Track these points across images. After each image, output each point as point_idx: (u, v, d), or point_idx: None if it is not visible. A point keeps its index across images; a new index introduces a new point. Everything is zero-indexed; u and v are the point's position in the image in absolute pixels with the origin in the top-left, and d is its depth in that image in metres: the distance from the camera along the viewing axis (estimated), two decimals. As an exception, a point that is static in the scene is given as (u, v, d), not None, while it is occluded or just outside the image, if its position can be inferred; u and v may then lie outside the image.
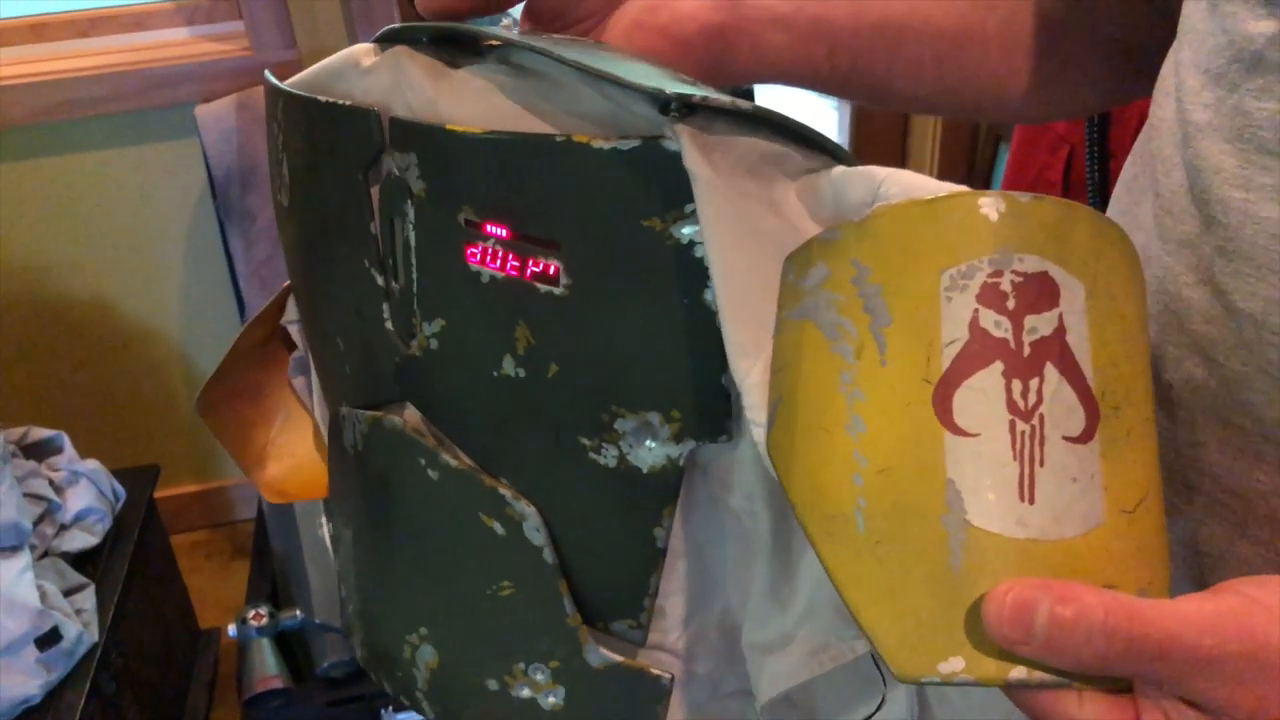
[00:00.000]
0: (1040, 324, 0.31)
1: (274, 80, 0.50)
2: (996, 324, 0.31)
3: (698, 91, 0.37)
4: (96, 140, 1.67)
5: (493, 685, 0.50)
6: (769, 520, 0.43)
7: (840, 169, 0.38)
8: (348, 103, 0.46)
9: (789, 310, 0.35)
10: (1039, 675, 0.30)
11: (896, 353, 0.32)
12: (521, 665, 0.49)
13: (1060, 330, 0.32)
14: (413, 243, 0.45)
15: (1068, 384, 0.32)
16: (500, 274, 0.42)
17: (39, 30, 1.70)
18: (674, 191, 0.38)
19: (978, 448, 0.31)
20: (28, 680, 1.05)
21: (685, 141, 0.37)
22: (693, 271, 0.39)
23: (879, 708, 0.52)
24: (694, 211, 0.38)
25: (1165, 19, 0.56)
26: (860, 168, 0.37)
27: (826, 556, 0.32)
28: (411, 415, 0.50)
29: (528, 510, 0.46)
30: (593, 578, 0.47)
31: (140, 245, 1.76)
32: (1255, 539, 0.43)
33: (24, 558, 1.10)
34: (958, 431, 0.31)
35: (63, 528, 1.27)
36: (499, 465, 0.47)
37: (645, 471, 0.43)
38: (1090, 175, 1.41)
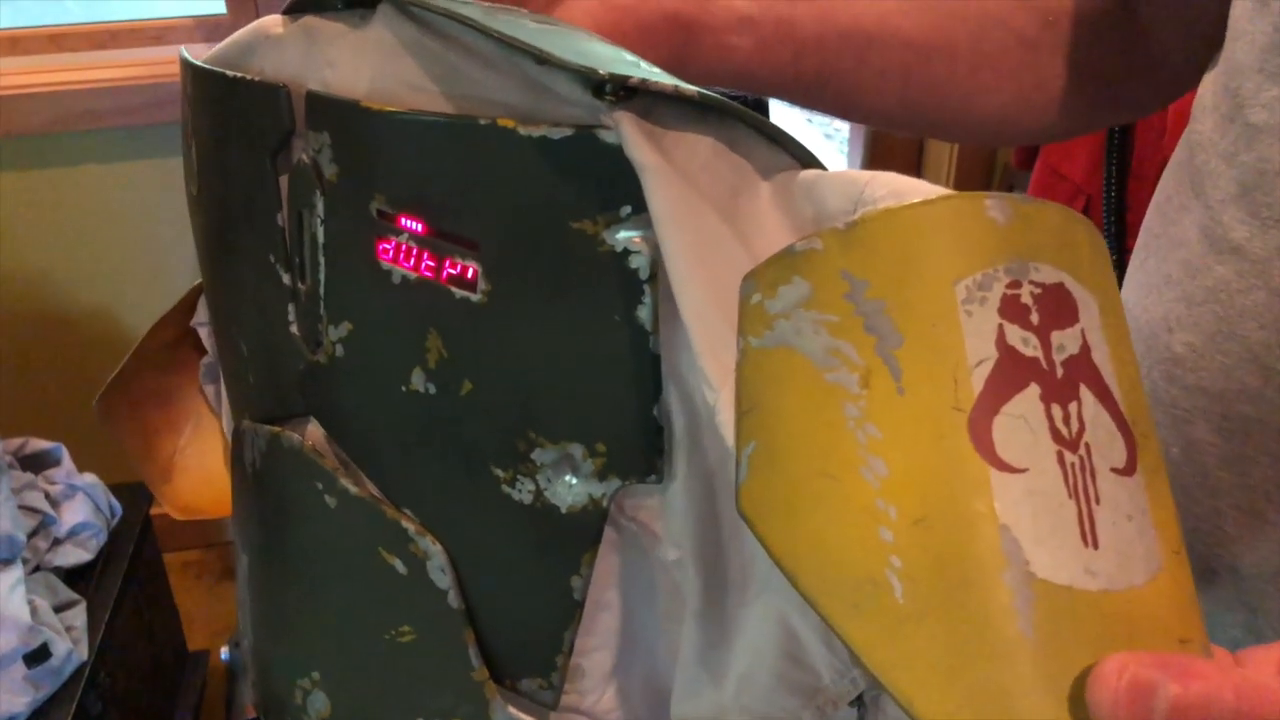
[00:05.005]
0: (1067, 341, 0.27)
1: (186, 55, 0.45)
2: (1024, 341, 0.27)
3: (637, 73, 0.32)
4: (110, 152, 1.61)
5: (388, 742, 0.44)
6: (698, 578, 0.38)
7: (813, 173, 0.33)
8: (256, 78, 0.41)
9: (756, 338, 0.29)
10: None
11: (916, 378, 0.27)
12: (420, 722, 0.43)
13: (1086, 348, 0.27)
14: (321, 238, 0.40)
15: (1104, 409, 0.27)
16: (413, 274, 0.37)
17: (58, 40, 1.63)
18: (609, 191, 0.33)
19: (1030, 485, 0.26)
20: (14, 698, 1.01)
21: (627, 129, 0.32)
22: (627, 284, 0.34)
23: None
24: (630, 215, 0.33)
25: (1138, 47, 0.54)
26: (839, 171, 0.32)
27: (855, 636, 0.26)
28: (315, 432, 0.44)
29: (433, 548, 0.40)
30: (502, 629, 0.41)
31: (148, 259, 1.68)
32: None
33: (16, 571, 1.06)
34: (1004, 467, 0.26)
35: (56, 542, 1.21)
36: (405, 495, 0.41)
37: (564, 511, 0.38)
38: (1107, 227, 1.37)
